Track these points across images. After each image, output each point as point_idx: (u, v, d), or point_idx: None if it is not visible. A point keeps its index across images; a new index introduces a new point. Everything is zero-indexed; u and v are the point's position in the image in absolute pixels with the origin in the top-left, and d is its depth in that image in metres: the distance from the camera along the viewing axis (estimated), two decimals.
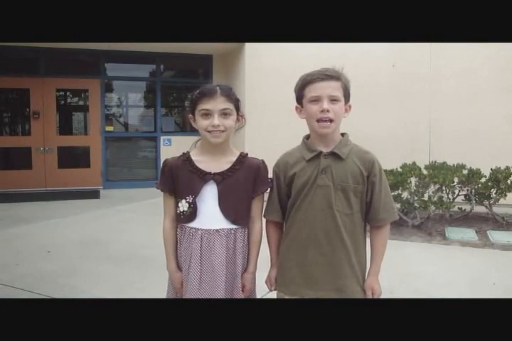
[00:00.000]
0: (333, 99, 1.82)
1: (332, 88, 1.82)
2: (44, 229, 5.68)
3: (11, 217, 6.39)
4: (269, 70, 7.47)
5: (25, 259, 4.40)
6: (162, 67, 9.52)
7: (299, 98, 1.92)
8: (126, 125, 9.85)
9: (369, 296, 1.91)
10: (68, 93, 9.53)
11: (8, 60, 8.20)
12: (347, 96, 1.88)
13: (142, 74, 9.59)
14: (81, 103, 9.70)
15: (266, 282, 2.06)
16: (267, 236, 2.05)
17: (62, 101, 9.53)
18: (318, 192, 1.86)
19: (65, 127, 9.39)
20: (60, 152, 8.69)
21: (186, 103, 9.72)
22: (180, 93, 10.32)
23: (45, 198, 7.70)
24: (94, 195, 8.01)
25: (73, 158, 9.13)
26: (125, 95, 9.87)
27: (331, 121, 1.82)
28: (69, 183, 8.51)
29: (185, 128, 9.82)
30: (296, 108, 1.96)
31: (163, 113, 9.67)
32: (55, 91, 8.81)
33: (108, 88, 9.32)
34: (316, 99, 1.83)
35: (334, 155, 1.87)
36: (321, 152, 1.88)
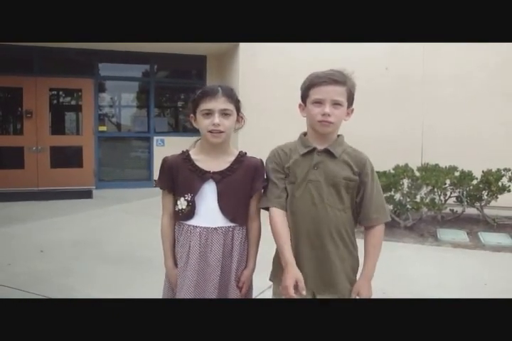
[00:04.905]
0: (336, 104, 1.84)
1: (336, 93, 1.84)
2: (37, 229, 5.65)
3: (3, 216, 6.35)
4: (263, 71, 7.47)
5: (18, 259, 4.38)
6: (156, 67, 9.51)
7: (304, 97, 1.94)
8: (119, 125, 9.83)
9: (354, 295, 1.92)
10: (61, 93, 9.50)
11: (2, 59, 8.14)
12: (350, 100, 1.91)
13: (136, 74, 9.58)
14: (74, 103, 9.66)
15: (289, 283, 1.82)
16: (276, 230, 1.90)
17: (55, 101, 9.49)
18: (310, 187, 1.89)
19: (58, 127, 9.33)
20: (52, 152, 8.63)
21: (183, 103, 9.76)
22: (174, 93, 10.32)
23: (38, 198, 7.66)
24: (86, 194, 7.97)
25: (66, 157, 9.07)
26: (118, 95, 9.85)
27: (330, 123, 1.85)
28: (61, 183, 8.45)
29: (178, 128, 9.82)
30: (300, 106, 1.98)
31: (156, 113, 9.65)
32: (48, 90, 8.77)
33: (101, 88, 9.29)
34: (319, 102, 1.85)
35: (327, 152, 1.91)
36: (315, 148, 1.91)
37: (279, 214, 1.92)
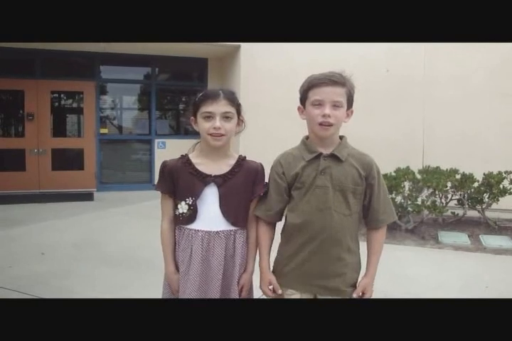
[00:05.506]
0: (336, 105, 1.83)
1: (336, 94, 1.83)
2: (38, 231, 5.66)
3: (4, 218, 6.35)
4: (264, 73, 7.48)
5: (19, 261, 4.38)
6: (157, 70, 9.52)
7: (303, 99, 1.93)
8: (120, 128, 9.82)
9: (356, 295, 1.92)
10: (63, 95, 9.50)
11: (3, 62, 8.17)
12: (350, 102, 1.90)
13: (137, 76, 9.58)
14: (75, 105, 9.66)
15: (264, 288, 1.99)
16: (259, 237, 2.01)
17: (57, 104, 9.50)
18: (317, 193, 1.88)
19: (60, 129, 9.34)
20: (54, 154, 8.65)
21: (184, 105, 9.77)
22: (175, 96, 10.32)
23: (39, 200, 7.66)
24: (88, 197, 7.98)
25: (67, 160, 9.09)
26: (120, 98, 9.86)
27: (330, 125, 1.84)
28: (63, 185, 8.46)
29: (179, 131, 9.83)
30: (299, 108, 1.97)
31: (157, 116, 9.66)
32: (50, 93, 8.79)
33: (103, 90, 9.30)
34: (319, 103, 1.84)
35: (333, 156, 1.90)
36: (321, 153, 1.90)
37: (263, 225, 2.00)
